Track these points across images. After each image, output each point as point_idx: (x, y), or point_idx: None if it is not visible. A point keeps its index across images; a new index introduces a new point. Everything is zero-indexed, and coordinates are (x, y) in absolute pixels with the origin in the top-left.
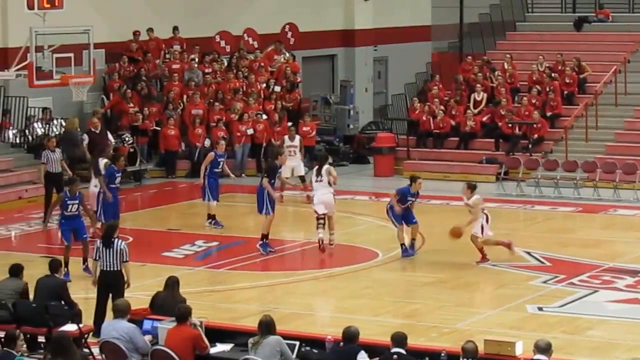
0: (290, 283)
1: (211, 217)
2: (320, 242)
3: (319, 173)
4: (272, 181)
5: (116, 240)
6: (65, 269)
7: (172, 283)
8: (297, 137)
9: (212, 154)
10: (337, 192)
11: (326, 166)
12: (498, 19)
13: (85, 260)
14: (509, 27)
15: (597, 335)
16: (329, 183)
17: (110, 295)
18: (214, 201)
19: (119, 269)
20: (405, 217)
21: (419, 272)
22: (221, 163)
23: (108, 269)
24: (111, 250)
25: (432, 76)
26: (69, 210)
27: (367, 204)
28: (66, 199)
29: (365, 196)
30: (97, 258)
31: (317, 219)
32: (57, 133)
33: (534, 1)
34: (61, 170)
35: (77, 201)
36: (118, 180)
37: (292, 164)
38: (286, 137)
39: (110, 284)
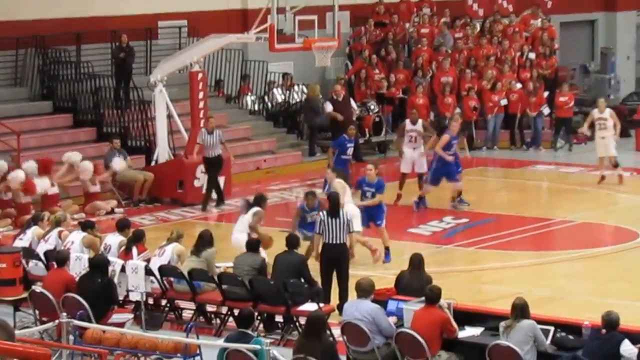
0: (543, 264)
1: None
2: None
3: None
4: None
5: (342, 210)
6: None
7: (418, 261)
8: (420, 122)
9: (446, 136)
10: (595, 167)
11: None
12: None
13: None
14: None
15: None
16: None
17: (335, 270)
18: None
19: (344, 241)
20: None
21: None
22: (349, 149)
23: (333, 241)
24: (337, 220)
25: None
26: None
27: (628, 180)
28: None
29: (626, 172)
30: (320, 231)
31: None
32: (297, 101)
33: None
34: (219, 154)
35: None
36: (350, 150)
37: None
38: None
39: (337, 258)
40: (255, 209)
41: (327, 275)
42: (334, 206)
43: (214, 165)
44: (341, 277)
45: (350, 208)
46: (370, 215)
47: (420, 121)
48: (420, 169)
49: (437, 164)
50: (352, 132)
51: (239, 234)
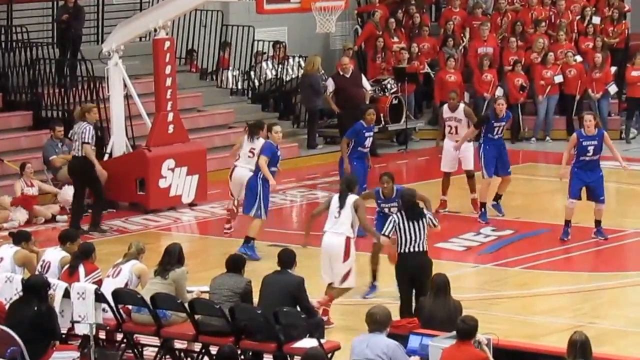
0: (614, 288)
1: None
2: None
3: None
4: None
5: (425, 212)
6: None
7: (442, 285)
8: (461, 107)
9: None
10: None
11: None
12: None
13: None
14: None
15: None
16: None
17: (414, 287)
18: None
19: (426, 248)
20: None
21: None
22: (368, 140)
23: (412, 249)
24: (417, 223)
25: None
26: None
27: None
28: None
29: None
30: (387, 234)
31: None
32: (293, 77)
33: None
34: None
35: None
36: (368, 142)
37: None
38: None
39: (418, 271)
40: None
41: (407, 292)
42: (411, 205)
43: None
44: (422, 295)
45: None
46: None
47: (461, 106)
48: (467, 165)
49: (488, 150)
50: (371, 117)
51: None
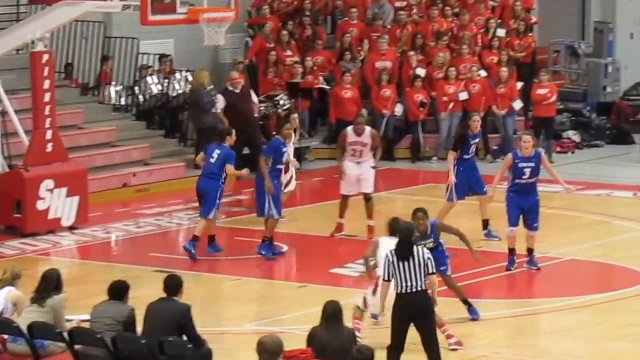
0: (519, 317)
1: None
2: None
3: None
4: None
5: (416, 247)
6: None
7: (333, 312)
8: (368, 131)
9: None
10: (587, 185)
11: None
12: None
13: None
14: None
15: None
16: None
17: (415, 327)
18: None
19: (425, 287)
20: None
21: None
22: (285, 155)
23: (411, 290)
24: (412, 262)
25: None
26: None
27: (631, 203)
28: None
29: (628, 191)
30: (389, 278)
31: None
32: (180, 92)
33: None
34: None
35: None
36: (285, 157)
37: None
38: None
39: (418, 312)
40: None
41: (400, 334)
42: (405, 243)
43: None
44: (429, 337)
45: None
46: None
47: (368, 130)
48: (367, 187)
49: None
50: (288, 132)
51: None
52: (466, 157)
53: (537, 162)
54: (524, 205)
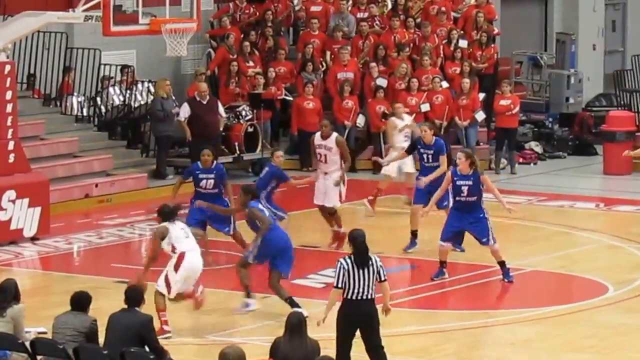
0: (478, 327)
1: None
2: None
3: None
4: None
5: (372, 256)
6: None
7: (297, 324)
8: (334, 136)
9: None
10: (549, 196)
11: None
12: None
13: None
14: None
15: None
16: None
17: (362, 335)
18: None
19: (374, 296)
20: None
21: None
22: (204, 181)
23: (360, 297)
24: (366, 271)
25: None
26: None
27: (593, 214)
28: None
29: (590, 203)
30: (342, 285)
31: None
32: (142, 103)
33: None
34: None
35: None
36: (204, 183)
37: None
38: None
39: (366, 319)
40: None
41: (346, 342)
42: (363, 251)
43: None
44: (376, 347)
45: None
46: None
47: (334, 135)
48: (328, 202)
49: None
50: (205, 158)
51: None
52: (426, 165)
53: (476, 181)
54: (464, 224)
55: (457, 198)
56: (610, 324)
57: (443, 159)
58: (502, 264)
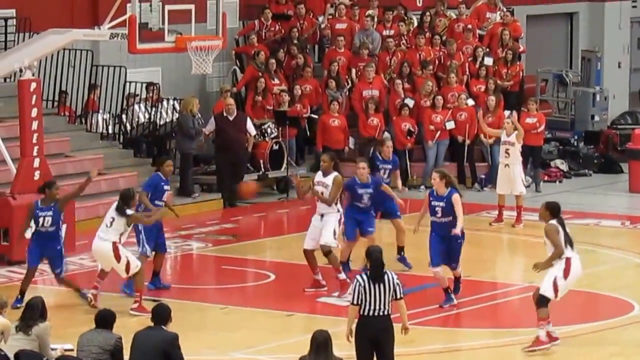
0: (503, 346)
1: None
2: None
3: None
4: None
5: (389, 272)
6: None
7: (323, 342)
8: (333, 176)
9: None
10: (575, 214)
11: None
12: None
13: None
14: None
15: None
16: None
17: (375, 352)
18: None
19: (389, 312)
20: None
21: None
22: (165, 194)
23: (375, 313)
24: (382, 286)
25: None
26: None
27: (619, 232)
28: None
29: (616, 221)
30: (358, 302)
31: None
32: (167, 121)
33: None
34: None
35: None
36: (166, 196)
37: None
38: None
39: (380, 336)
40: None
41: (366, 359)
42: (377, 267)
43: None
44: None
45: None
46: None
47: (333, 175)
48: (322, 239)
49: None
50: (169, 169)
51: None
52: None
53: (449, 201)
54: (441, 245)
55: (432, 219)
56: (636, 342)
57: (396, 175)
58: (457, 279)
